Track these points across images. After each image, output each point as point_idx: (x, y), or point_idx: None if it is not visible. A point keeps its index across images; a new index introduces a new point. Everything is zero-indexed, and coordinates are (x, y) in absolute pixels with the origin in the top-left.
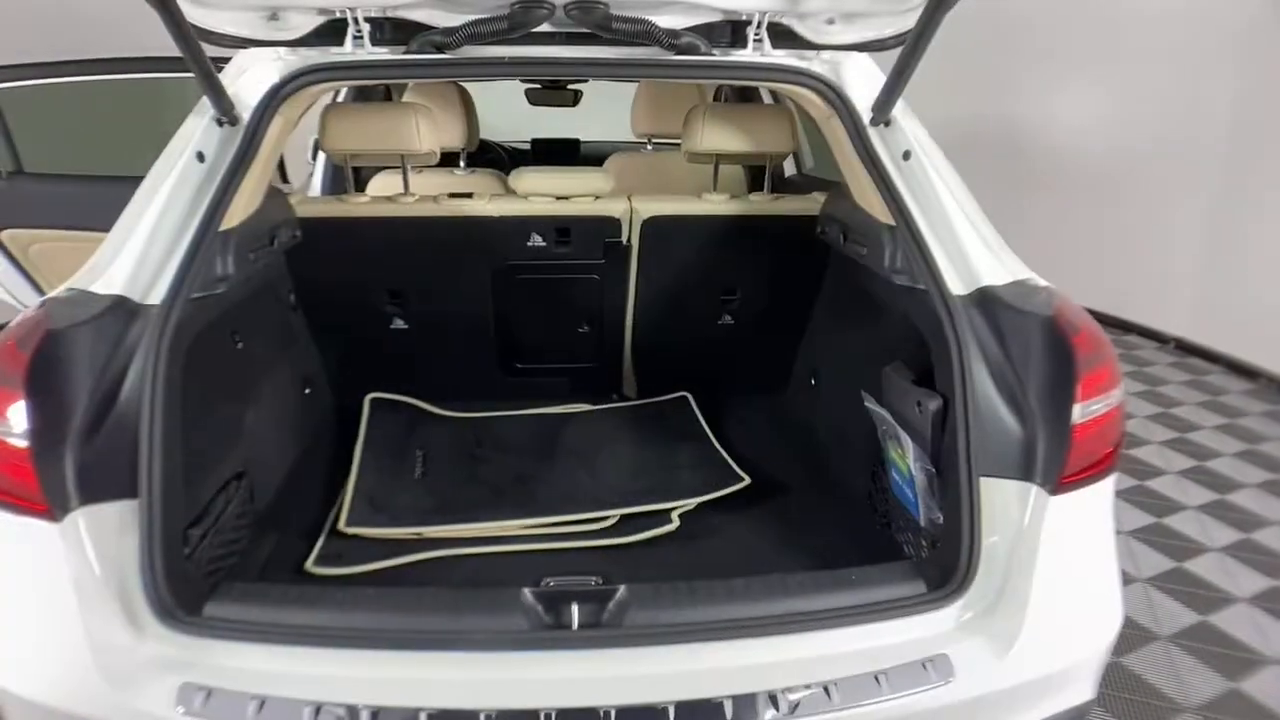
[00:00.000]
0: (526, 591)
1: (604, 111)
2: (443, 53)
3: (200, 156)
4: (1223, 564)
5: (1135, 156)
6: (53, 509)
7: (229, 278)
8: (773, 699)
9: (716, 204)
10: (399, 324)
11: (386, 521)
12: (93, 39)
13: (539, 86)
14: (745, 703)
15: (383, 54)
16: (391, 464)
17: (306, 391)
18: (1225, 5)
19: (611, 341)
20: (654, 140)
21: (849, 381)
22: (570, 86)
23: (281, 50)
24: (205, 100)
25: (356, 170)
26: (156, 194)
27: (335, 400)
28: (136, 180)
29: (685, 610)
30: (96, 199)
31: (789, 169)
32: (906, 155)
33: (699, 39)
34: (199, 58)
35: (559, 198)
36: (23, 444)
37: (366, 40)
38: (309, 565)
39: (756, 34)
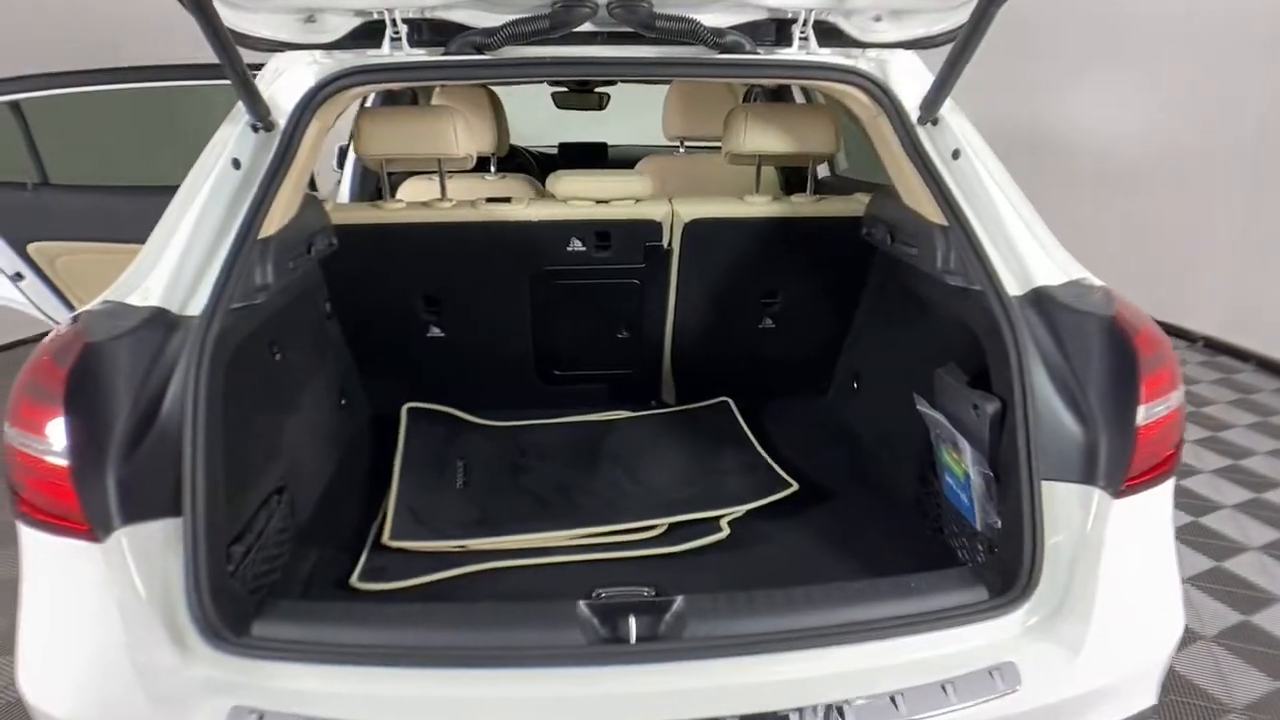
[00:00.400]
0: (581, 605)
1: (626, 117)
2: (482, 54)
3: (236, 163)
4: (1261, 562)
5: (1163, 154)
6: (94, 529)
7: (268, 287)
8: (839, 710)
9: (759, 206)
10: (435, 332)
11: (430, 534)
12: (112, 46)
13: (566, 90)
14: (810, 715)
15: (421, 56)
16: (432, 475)
17: (342, 402)
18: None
19: (651, 347)
20: (686, 143)
21: (895, 384)
22: (597, 90)
23: (317, 53)
24: (240, 106)
25: (388, 175)
26: (192, 203)
27: (369, 410)
28: (164, 190)
29: (744, 621)
30: (124, 210)
31: (821, 170)
32: (956, 154)
33: (744, 37)
34: (235, 62)
35: (599, 201)
36: (62, 462)
37: (404, 42)
38: (354, 581)
39: (802, 32)
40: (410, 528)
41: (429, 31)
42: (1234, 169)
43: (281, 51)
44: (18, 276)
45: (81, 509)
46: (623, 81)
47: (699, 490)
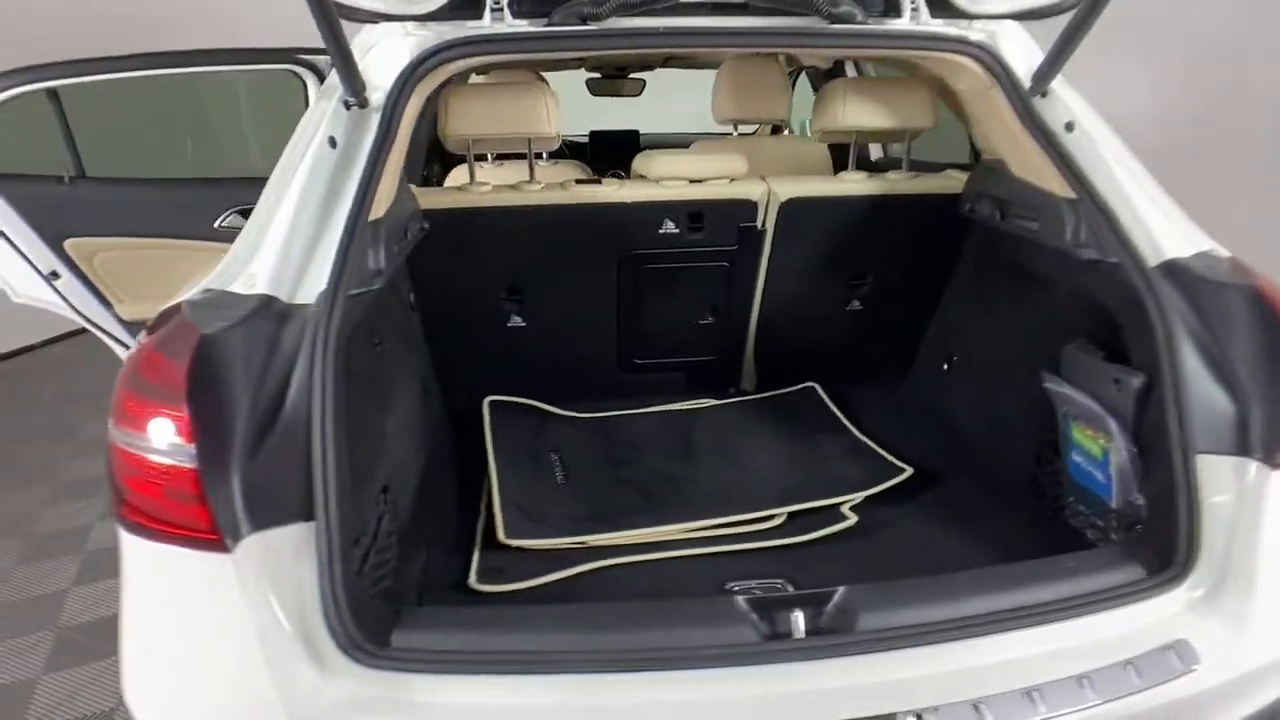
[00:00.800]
0: (740, 600)
1: (636, 105)
2: (587, 25)
3: (332, 142)
4: None
5: (1180, 137)
6: (224, 538)
7: (382, 272)
8: (1029, 696)
9: (855, 183)
10: (516, 321)
11: (547, 532)
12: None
13: (599, 76)
14: (1003, 702)
15: (523, 27)
16: (530, 470)
17: (425, 396)
18: None
19: (734, 333)
20: (738, 125)
21: (999, 363)
22: (633, 76)
23: (409, 25)
24: (331, 82)
25: (447, 157)
26: (291, 184)
27: (444, 403)
28: (208, 182)
29: (917, 609)
30: (167, 203)
31: (875, 151)
32: (1069, 126)
33: (855, 7)
34: (338, 34)
35: (692, 181)
36: (188, 465)
37: (506, 12)
38: (473, 583)
39: (913, 2)
40: (524, 525)
41: (531, 2)
42: (1250, 153)
43: (375, 23)
44: (53, 275)
45: (210, 516)
46: (743, 49)
47: (808, 478)
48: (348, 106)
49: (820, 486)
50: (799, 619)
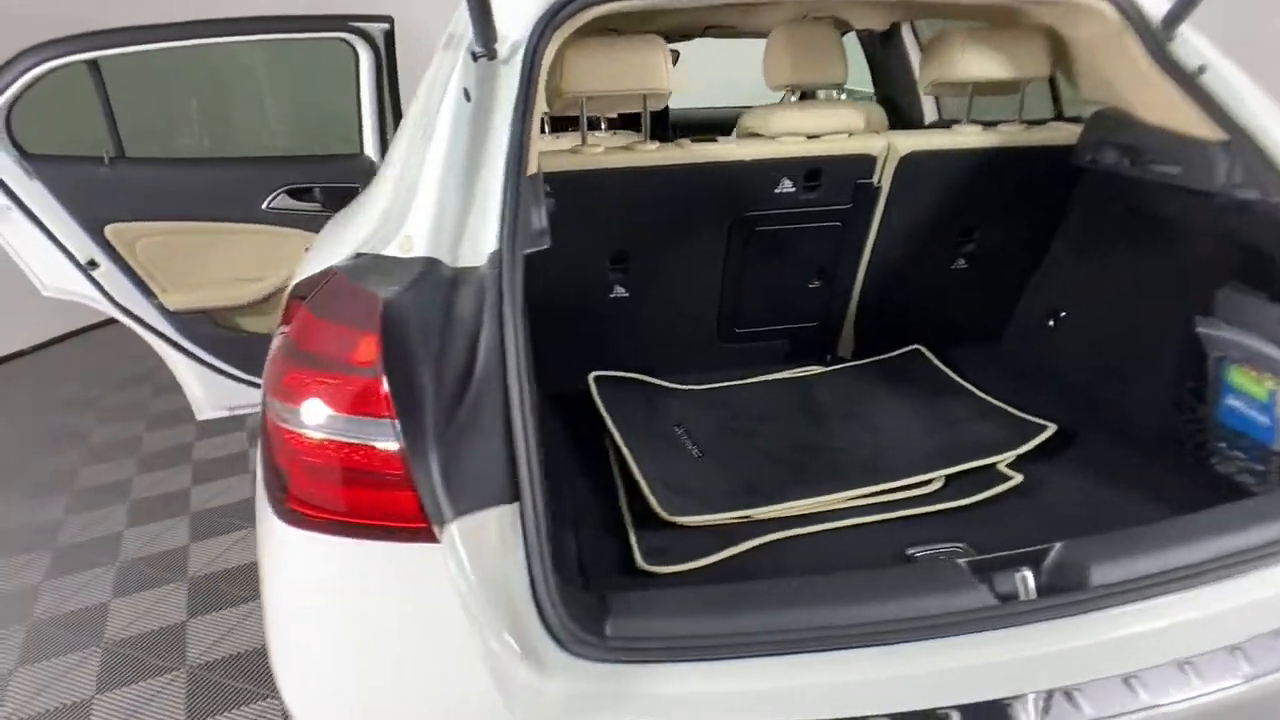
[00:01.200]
0: (961, 564)
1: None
2: None
3: (467, 95)
4: None
5: None
6: (431, 525)
7: (545, 232)
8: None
9: (971, 136)
10: (619, 292)
11: (705, 507)
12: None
13: None
14: (1256, 646)
15: None
16: (661, 445)
17: (532, 369)
18: None
19: (839, 297)
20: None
21: (1122, 314)
22: (669, 47)
23: None
24: (454, 33)
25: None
26: (432, 140)
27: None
28: (261, 161)
29: (1145, 559)
30: (211, 184)
31: (929, 114)
32: (1201, 69)
33: None
34: None
35: (810, 137)
36: (391, 444)
37: None
38: (641, 564)
39: None
40: (681, 502)
41: None
42: None
43: None
44: (91, 264)
45: (418, 501)
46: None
47: (950, 441)
48: (475, 58)
49: (966, 448)
50: (1027, 578)
